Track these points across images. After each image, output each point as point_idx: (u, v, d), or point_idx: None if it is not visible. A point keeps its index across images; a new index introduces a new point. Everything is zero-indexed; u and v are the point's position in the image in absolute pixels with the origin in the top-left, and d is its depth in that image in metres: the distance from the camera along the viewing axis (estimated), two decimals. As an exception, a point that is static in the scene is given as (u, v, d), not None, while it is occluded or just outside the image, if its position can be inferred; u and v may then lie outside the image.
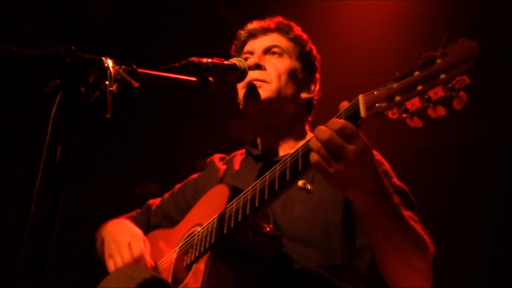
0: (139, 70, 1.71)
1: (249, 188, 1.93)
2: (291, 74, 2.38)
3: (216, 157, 2.63)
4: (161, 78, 1.84)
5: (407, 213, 1.93)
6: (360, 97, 1.62)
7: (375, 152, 2.25)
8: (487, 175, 4.43)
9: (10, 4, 4.49)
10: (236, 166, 2.48)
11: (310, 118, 2.52)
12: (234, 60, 2.23)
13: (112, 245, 2.29)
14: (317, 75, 2.52)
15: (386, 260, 1.83)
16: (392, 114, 1.51)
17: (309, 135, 2.43)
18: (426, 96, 1.43)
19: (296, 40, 2.46)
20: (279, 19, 2.51)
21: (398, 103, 1.48)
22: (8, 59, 1.53)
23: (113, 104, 1.54)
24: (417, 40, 4.06)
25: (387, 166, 2.21)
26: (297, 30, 2.50)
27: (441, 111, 1.43)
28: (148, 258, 2.24)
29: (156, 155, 5.40)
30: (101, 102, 1.55)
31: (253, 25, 2.51)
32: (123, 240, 2.27)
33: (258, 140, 2.49)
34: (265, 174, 1.88)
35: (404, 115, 1.49)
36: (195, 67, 1.95)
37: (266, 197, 1.83)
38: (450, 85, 1.39)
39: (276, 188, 1.80)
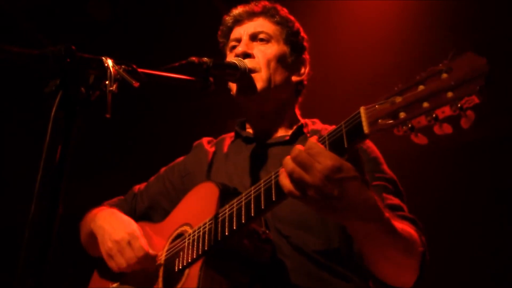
0: (139, 69, 1.70)
1: (243, 194, 1.88)
2: (280, 60, 2.34)
3: (204, 140, 2.59)
4: (161, 78, 1.83)
5: (395, 202, 1.98)
6: (362, 110, 1.52)
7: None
8: (487, 175, 4.42)
9: (10, 4, 4.49)
10: (225, 148, 2.45)
11: (300, 100, 2.47)
12: (234, 60, 2.23)
13: (109, 244, 2.23)
14: (306, 56, 2.47)
15: (374, 264, 1.83)
16: (397, 131, 1.44)
17: (299, 119, 2.42)
18: (434, 115, 1.36)
19: (282, 23, 2.41)
20: (264, 2, 2.47)
21: (404, 121, 1.41)
22: (8, 59, 1.53)
23: (113, 103, 1.54)
24: (418, 40, 4.06)
25: (377, 153, 2.20)
26: (283, 12, 2.46)
27: (447, 129, 1.37)
28: (151, 252, 2.19)
29: (156, 155, 5.38)
30: (101, 102, 1.55)
31: (238, 10, 2.47)
32: (122, 238, 2.20)
33: (248, 124, 2.45)
34: (260, 182, 1.81)
35: (410, 133, 1.41)
36: (195, 66, 1.95)
37: (262, 207, 1.77)
38: (459, 105, 1.33)
39: (274, 199, 1.73)
